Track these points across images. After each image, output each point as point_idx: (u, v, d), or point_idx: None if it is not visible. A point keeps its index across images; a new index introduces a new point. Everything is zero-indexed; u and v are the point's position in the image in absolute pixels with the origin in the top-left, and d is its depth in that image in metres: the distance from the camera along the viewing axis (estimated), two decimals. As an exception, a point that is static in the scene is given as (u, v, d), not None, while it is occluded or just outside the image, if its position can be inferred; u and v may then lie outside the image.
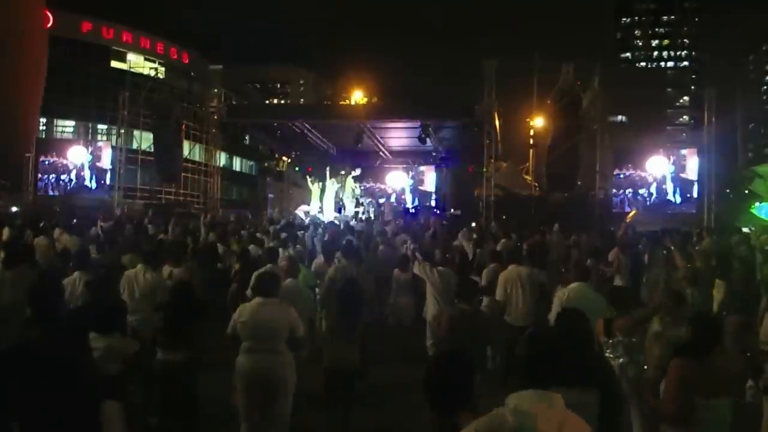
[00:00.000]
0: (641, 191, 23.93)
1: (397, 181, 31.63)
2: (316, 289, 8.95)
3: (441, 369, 2.38)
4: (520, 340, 2.38)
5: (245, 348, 5.30)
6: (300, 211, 27.80)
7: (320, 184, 28.63)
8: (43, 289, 3.74)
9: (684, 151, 24.40)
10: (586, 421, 3.23)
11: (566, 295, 6.56)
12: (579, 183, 24.19)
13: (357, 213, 24.63)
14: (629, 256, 11.10)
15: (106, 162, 29.53)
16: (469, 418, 2.18)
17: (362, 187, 31.10)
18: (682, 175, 23.56)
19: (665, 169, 23.74)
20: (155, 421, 5.46)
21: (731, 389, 3.81)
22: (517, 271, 8.08)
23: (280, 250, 9.69)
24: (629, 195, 24.13)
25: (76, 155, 29.46)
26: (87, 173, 29.42)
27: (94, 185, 29.39)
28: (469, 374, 2.32)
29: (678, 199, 23.59)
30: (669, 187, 23.72)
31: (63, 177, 29.35)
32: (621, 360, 4.81)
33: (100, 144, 32.35)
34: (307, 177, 29.31)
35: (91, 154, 29.67)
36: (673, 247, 9.52)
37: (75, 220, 15.85)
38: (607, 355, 4.87)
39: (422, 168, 31.33)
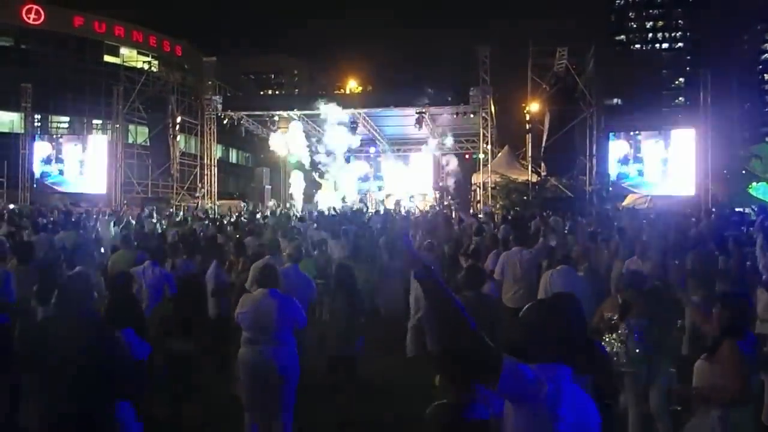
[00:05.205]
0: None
1: (392, 168, 31.57)
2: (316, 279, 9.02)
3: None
4: (510, 324, 2.37)
5: (246, 339, 5.29)
6: (297, 203, 27.85)
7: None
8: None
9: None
10: None
11: (550, 277, 6.55)
12: (576, 167, 24.17)
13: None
14: (626, 240, 11.09)
15: (100, 156, 29.54)
16: None
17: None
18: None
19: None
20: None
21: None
22: (516, 253, 8.17)
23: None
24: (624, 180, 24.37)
25: (70, 150, 29.46)
26: (81, 168, 29.45)
27: (87, 180, 29.42)
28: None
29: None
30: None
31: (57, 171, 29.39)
32: (621, 341, 4.85)
33: (92, 138, 32.37)
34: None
35: (85, 148, 29.72)
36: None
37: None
38: (609, 336, 4.92)
39: (419, 155, 31.29)
